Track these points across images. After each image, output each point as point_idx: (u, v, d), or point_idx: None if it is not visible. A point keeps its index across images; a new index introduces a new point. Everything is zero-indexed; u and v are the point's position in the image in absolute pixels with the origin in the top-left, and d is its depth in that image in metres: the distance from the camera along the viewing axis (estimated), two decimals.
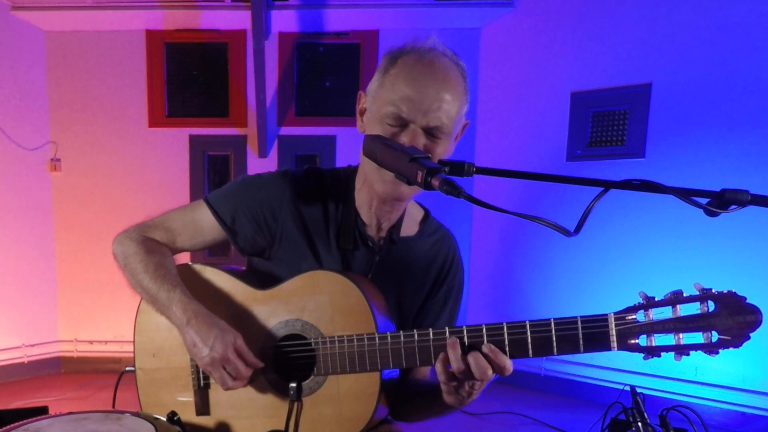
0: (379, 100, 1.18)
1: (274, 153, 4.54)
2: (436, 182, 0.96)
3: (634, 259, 3.65)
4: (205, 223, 1.32)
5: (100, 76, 4.47)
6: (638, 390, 1.93)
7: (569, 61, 4.00)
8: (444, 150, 1.17)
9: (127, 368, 1.43)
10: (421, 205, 1.42)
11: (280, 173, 1.31)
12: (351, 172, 1.33)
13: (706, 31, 3.46)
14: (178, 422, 1.28)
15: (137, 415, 1.30)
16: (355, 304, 1.17)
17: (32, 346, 4.44)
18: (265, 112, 4.32)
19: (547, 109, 4.11)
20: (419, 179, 0.98)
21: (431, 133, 1.15)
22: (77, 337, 4.58)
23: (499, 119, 4.37)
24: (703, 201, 0.93)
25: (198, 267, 1.36)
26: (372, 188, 1.23)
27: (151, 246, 1.32)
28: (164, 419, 1.28)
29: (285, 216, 1.28)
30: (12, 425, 1.21)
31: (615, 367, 3.82)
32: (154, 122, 4.52)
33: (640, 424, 1.80)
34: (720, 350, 0.90)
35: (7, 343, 4.32)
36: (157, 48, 4.46)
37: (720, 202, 0.92)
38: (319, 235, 1.29)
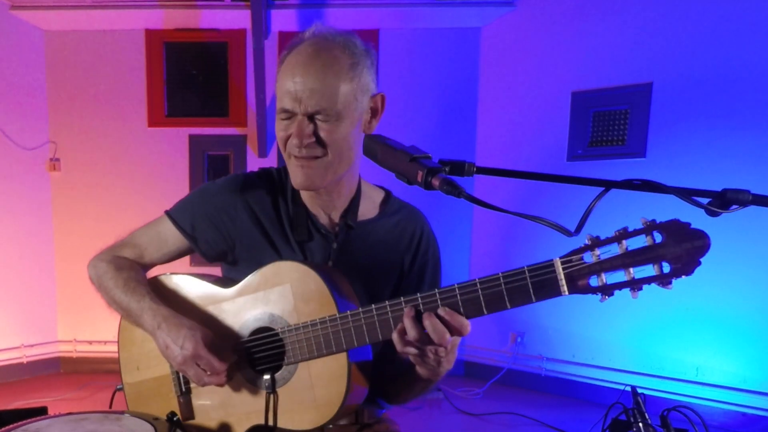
0: (276, 100, 1.24)
1: (273, 153, 4.54)
2: (436, 182, 0.96)
3: None
4: (168, 235, 1.37)
5: (100, 75, 4.46)
6: (639, 390, 1.92)
7: (570, 61, 3.99)
8: (345, 131, 1.19)
9: (119, 387, 1.46)
10: (382, 187, 1.43)
11: (233, 177, 1.37)
12: None
13: (707, 31, 3.45)
14: (178, 423, 1.28)
15: (136, 415, 1.30)
16: (315, 289, 1.19)
17: (31, 346, 4.43)
18: (264, 112, 4.32)
19: (548, 109, 4.10)
20: (419, 179, 0.98)
21: (316, 118, 1.17)
22: (76, 338, 4.58)
23: (499, 119, 4.36)
24: (705, 201, 0.93)
25: (166, 277, 1.40)
26: None
27: (120, 263, 1.37)
28: (164, 419, 1.27)
29: (242, 217, 1.32)
30: (11, 425, 1.21)
31: (616, 368, 3.82)
32: (153, 122, 4.51)
33: (641, 424, 1.79)
34: (673, 280, 0.88)
35: (6, 343, 4.31)
36: (157, 47, 4.46)
37: (721, 202, 0.92)
38: (276, 232, 1.33)
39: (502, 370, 4.26)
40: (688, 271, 0.88)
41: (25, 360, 4.40)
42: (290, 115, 1.19)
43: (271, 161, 4.51)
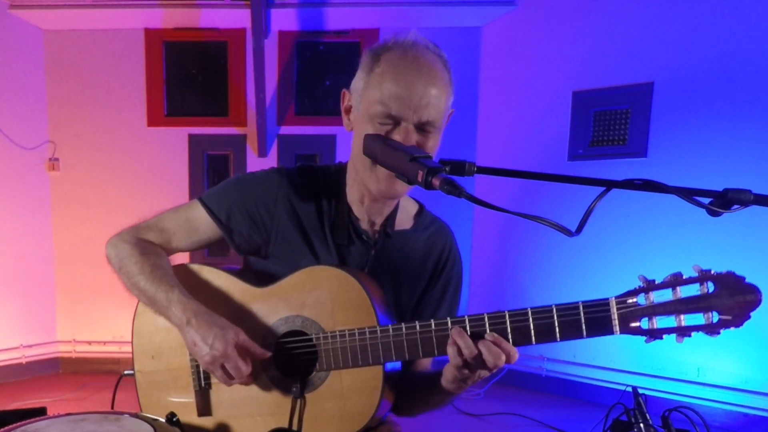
0: (366, 100, 1.18)
1: (273, 152, 4.53)
2: (436, 182, 0.96)
3: (636, 260, 3.64)
4: (200, 222, 1.32)
5: (99, 75, 4.46)
6: (640, 391, 1.91)
7: (571, 60, 3.99)
8: (436, 143, 1.18)
9: (126, 372, 1.42)
10: (415, 199, 1.42)
11: (274, 170, 1.32)
12: (342, 168, 1.33)
13: (708, 30, 3.45)
14: (177, 423, 1.27)
15: (136, 416, 1.29)
16: (355, 298, 1.17)
17: (30, 346, 4.43)
18: (264, 112, 4.31)
19: (549, 108, 4.10)
20: (420, 179, 0.98)
21: (423, 128, 1.15)
22: (75, 338, 4.57)
23: (500, 118, 4.36)
24: (706, 201, 0.93)
25: (195, 267, 1.35)
26: (365, 187, 1.23)
27: (145, 247, 1.31)
28: (163, 420, 1.27)
29: (280, 212, 1.28)
30: (10, 426, 1.20)
31: (617, 368, 3.81)
32: (153, 121, 4.51)
33: (642, 425, 1.79)
34: (721, 330, 0.91)
35: (5, 343, 4.30)
36: (156, 47, 4.45)
37: (722, 201, 0.92)
38: (315, 231, 1.30)
39: (503, 370, 4.24)
40: (738, 324, 0.90)
41: (24, 360, 4.40)
42: (394, 120, 1.14)
43: (270, 161, 4.51)
